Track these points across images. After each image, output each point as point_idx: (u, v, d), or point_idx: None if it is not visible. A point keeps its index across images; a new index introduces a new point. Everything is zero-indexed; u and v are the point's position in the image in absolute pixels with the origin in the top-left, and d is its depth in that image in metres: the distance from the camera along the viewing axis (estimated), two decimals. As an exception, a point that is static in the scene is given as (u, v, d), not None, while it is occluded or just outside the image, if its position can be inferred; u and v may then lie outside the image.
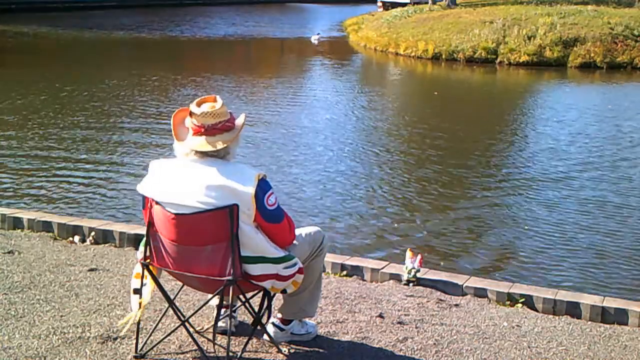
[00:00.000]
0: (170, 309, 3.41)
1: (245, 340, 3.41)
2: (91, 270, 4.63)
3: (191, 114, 3.20)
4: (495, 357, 3.61)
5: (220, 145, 3.16)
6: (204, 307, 3.54)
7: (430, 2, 29.37)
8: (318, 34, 27.41)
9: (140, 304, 3.35)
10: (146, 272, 3.33)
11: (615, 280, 5.84)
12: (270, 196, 3.15)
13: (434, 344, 3.71)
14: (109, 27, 28.98)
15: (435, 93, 16.30)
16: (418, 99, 16.11)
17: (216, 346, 3.45)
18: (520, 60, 19.84)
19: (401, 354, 3.59)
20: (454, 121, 12.63)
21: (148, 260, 3.31)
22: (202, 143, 3.16)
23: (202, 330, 3.64)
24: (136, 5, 39.81)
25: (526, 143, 10.98)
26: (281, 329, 3.58)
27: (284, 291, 3.36)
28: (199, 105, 3.21)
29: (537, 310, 4.38)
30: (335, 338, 3.71)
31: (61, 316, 3.82)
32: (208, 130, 3.16)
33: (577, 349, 3.78)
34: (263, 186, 3.13)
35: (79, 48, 23.39)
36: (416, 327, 3.90)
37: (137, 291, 3.36)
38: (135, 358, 3.37)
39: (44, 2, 37.04)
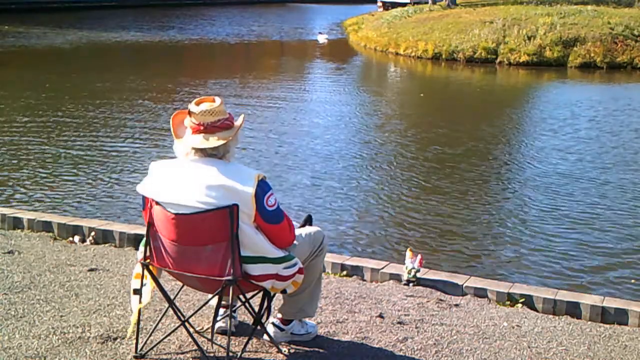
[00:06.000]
0: (170, 309, 3.41)
1: (245, 340, 3.41)
2: (91, 270, 4.63)
3: (190, 113, 3.20)
4: (495, 357, 3.61)
5: (219, 142, 3.16)
6: (204, 307, 3.54)
7: (430, 2, 29.41)
8: (324, 34, 27.38)
9: (140, 304, 3.36)
10: (146, 272, 3.33)
11: (615, 280, 5.84)
12: (270, 197, 3.15)
13: (434, 344, 3.71)
14: (108, 28, 28.99)
15: (422, 95, 16.28)
16: (418, 99, 16.11)
17: (216, 346, 3.45)
18: (520, 60, 19.85)
19: (401, 354, 3.59)
20: (454, 122, 12.62)
21: (148, 260, 3.31)
22: (201, 141, 3.16)
23: (202, 330, 3.64)
24: (136, 5, 39.84)
25: (526, 144, 10.97)
26: (281, 329, 3.58)
27: (284, 291, 3.36)
28: (197, 104, 3.22)
29: (537, 310, 4.38)
30: (335, 338, 3.71)
31: (61, 316, 3.82)
32: (207, 129, 3.17)
33: (577, 349, 3.78)
34: (263, 186, 3.14)
35: (79, 49, 23.39)
36: (416, 327, 3.90)
37: (137, 291, 3.36)
38: (135, 358, 3.37)
39: (44, 2, 37.06)
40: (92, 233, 5.43)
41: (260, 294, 3.42)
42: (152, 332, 3.50)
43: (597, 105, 14.05)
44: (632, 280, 5.80)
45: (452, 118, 13.08)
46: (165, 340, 3.49)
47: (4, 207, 6.67)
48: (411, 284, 4.65)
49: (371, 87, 17.30)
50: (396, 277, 4.75)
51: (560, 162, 9.58)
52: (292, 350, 3.53)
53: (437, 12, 26.56)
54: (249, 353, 3.43)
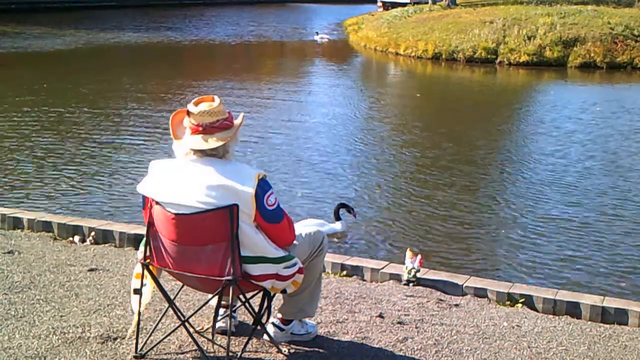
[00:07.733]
0: (170, 309, 3.41)
1: (245, 340, 3.42)
2: (91, 270, 4.63)
3: (189, 113, 3.20)
4: (495, 357, 3.61)
5: (218, 143, 3.16)
6: (204, 307, 3.54)
7: (430, 2, 29.40)
8: (322, 34, 27.38)
9: (140, 304, 3.36)
10: (146, 272, 3.33)
11: (615, 280, 5.83)
12: (270, 196, 3.15)
13: (434, 344, 3.71)
14: (108, 28, 28.98)
15: (418, 95, 16.27)
16: (418, 99, 16.09)
17: (216, 346, 3.45)
18: (520, 60, 19.83)
19: (401, 354, 3.59)
20: (453, 122, 12.62)
21: (148, 260, 3.31)
22: (200, 142, 3.16)
23: (202, 330, 3.64)
24: (135, 5, 39.83)
25: (526, 144, 10.97)
26: (281, 329, 3.58)
27: (284, 291, 3.36)
28: (196, 104, 3.21)
29: (537, 310, 4.39)
30: (335, 338, 3.71)
31: (61, 316, 3.82)
32: (206, 129, 3.16)
33: (577, 349, 3.78)
34: (263, 186, 3.13)
35: (78, 49, 23.37)
36: (416, 327, 3.90)
37: (137, 291, 3.36)
38: (135, 358, 3.37)
39: (44, 2, 37.06)
40: (92, 233, 5.44)
41: (260, 294, 3.42)
42: (152, 332, 3.50)
43: (594, 107, 14.01)
44: (624, 284, 5.79)
45: (450, 119, 13.06)
46: (165, 340, 3.49)
47: (4, 207, 6.67)
48: (411, 284, 4.65)
49: (371, 88, 17.29)
50: (396, 277, 4.75)
51: (559, 165, 9.56)
52: (292, 350, 3.53)
53: (437, 12, 26.54)
54: (249, 353, 3.43)
